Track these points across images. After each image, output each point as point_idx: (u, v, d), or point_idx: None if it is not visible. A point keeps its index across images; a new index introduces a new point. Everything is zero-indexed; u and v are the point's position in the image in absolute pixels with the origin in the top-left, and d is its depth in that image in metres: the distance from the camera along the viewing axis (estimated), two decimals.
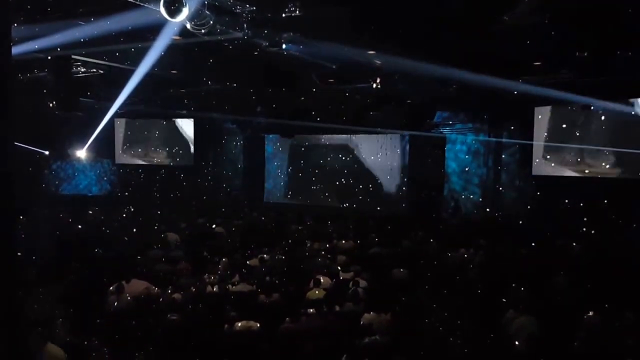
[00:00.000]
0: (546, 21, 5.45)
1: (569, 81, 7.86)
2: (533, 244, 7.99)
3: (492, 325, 5.05)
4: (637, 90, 8.90)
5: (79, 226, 9.94)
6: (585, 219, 9.16)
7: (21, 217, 6.74)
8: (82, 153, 14.37)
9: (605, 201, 9.45)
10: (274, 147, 15.91)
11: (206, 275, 6.26)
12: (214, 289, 5.80)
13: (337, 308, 5.23)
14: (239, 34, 5.73)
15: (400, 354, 4.10)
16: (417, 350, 4.28)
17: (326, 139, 14.81)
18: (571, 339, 4.47)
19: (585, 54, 4.93)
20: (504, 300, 5.45)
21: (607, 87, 8.00)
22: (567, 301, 5.39)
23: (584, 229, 8.89)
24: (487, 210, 11.72)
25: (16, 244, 2.65)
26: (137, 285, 5.59)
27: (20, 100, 9.78)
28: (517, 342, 4.63)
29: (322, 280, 5.94)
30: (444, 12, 5.61)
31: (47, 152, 13.44)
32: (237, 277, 6.21)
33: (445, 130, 12.33)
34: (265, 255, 7.27)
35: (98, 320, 5.27)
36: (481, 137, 11.99)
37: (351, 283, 5.90)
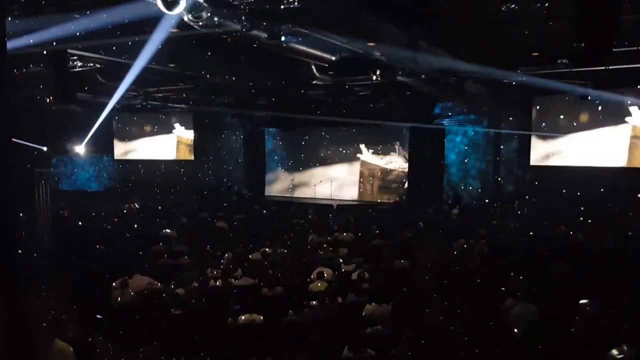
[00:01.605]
0: (544, 12, 5.43)
1: (566, 71, 7.86)
2: (531, 233, 8.06)
3: (492, 313, 5.11)
4: (634, 80, 8.91)
5: (79, 222, 9.95)
6: (582, 208, 9.23)
7: (20, 214, 6.74)
8: (80, 149, 14.32)
9: (602, 190, 9.51)
10: (275, 141, 15.89)
11: (209, 270, 6.28)
12: (217, 283, 5.84)
13: (340, 300, 5.28)
14: (237, 26, 5.67)
15: (402, 343, 4.15)
16: (418, 339, 4.34)
17: (326, 131, 14.79)
18: (569, 326, 4.53)
19: (583, 45, 4.93)
20: (503, 288, 5.51)
21: (605, 77, 8.00)
22: (565, 289, 5.45)
23: (582, 218, 8.96)
24: (486, 200, 11.78)
25: (16, 241, 2.65)
26: (140, 281, 5.61)
27: (17, 96, 9.76)
28: (516, 330, 4.70)
29: (324, 272, 5.99)
30: (442, 2, 5.59)
31: (45, 148, 13.37)
32: (239, 271, 6.25)
33: (445, 122, 12.34)
34: (267, 249, 7.30)
35: (102, 316, 5.32)
36: (480, 128, 12.00)
37: (357, 275, 5.96)
